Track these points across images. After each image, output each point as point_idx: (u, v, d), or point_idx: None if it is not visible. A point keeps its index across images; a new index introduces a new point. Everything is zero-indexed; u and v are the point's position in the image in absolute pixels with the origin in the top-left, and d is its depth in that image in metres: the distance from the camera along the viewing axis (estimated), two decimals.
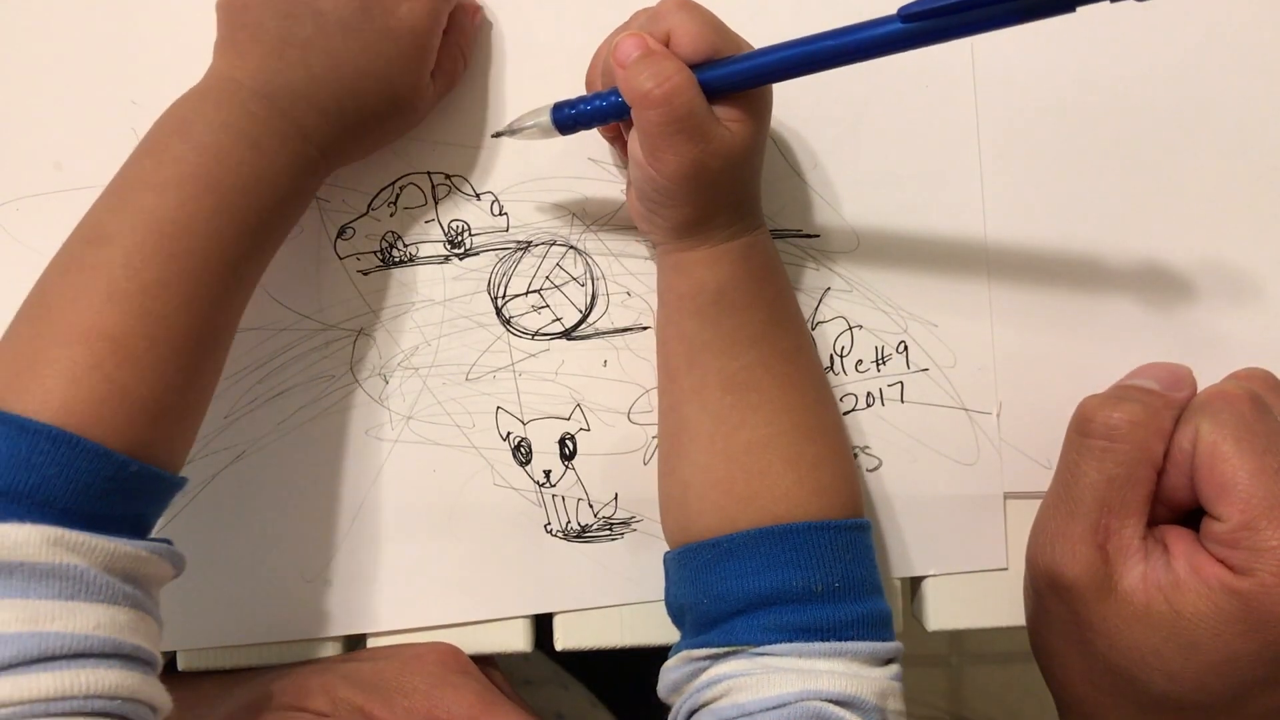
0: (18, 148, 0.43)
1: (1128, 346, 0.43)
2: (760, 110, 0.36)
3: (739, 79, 0.35)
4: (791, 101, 0.42)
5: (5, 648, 0.28)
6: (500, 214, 0.44)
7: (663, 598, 0.41)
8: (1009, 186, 0.44)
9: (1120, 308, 0.44)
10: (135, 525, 0.33)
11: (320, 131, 0.37)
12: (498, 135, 0.40)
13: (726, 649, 0.36)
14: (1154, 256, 0.44)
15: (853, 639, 0.36)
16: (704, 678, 0.36)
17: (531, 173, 0.43)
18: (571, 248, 0.44)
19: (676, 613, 0.40)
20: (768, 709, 0.33)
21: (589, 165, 0.43)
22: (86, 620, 0.30)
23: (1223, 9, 0.44)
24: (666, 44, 0.35)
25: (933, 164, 0.44)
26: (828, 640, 0.35)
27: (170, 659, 0.44)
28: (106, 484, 0.31)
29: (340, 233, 0.43)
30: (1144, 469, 0.36)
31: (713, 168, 0.35)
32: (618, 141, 0.39)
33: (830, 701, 0.34)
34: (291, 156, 0.36)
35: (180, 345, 0.33)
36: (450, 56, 0.41)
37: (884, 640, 0.36)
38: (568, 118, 0.38)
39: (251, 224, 0.35)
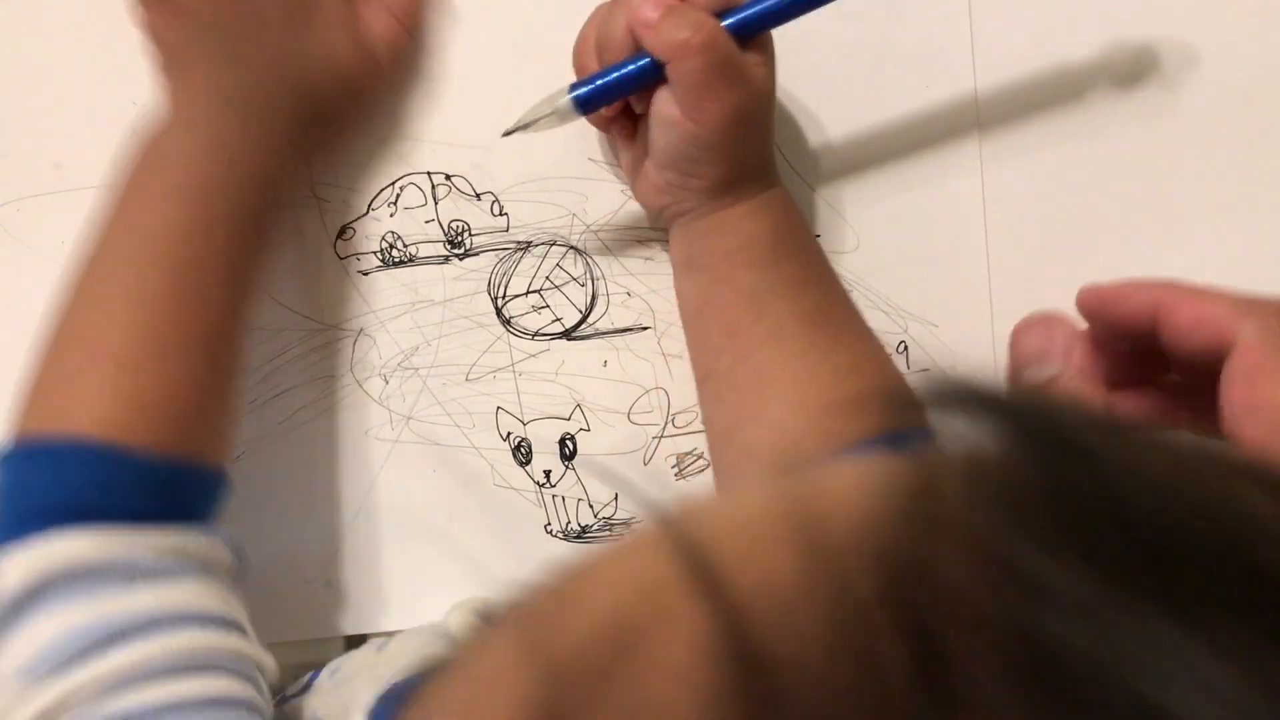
0: (18, 148, 0.43)
1: None
2: (771, 52, 0.37)
3: (767, 17, 0.35)
4: (792, 101, 0.42)
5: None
6: (500, 214, 0.44)
7: None
8: (1010, 186, 0.44)
9: None
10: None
11: (283, 122, 0.38)
12: (508, 133, 0.39)
13: None
14: (1156, 255, 0.44)
15: None
16: None
17: (532, 173, 0.43)
18: (571, 248, 0.44)
19: None
20: None
21: (589, 165, 0.43)
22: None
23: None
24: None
25: (933, 164, 0.44)
26: None
27: None
28: (154, 488, 0.33)
29: (340, 233, 0.43)
30: None
31: (753, 110, 0.35)
32: (615, 124, 0.39)
33: None
34: (264, 157, 0.38)
35: (189, 351, 0.35)
36: (380, 21, 0.41)
37: None
38: (588, 95, 0.37)
39: (240, 230, 0.37)
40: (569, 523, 0.44)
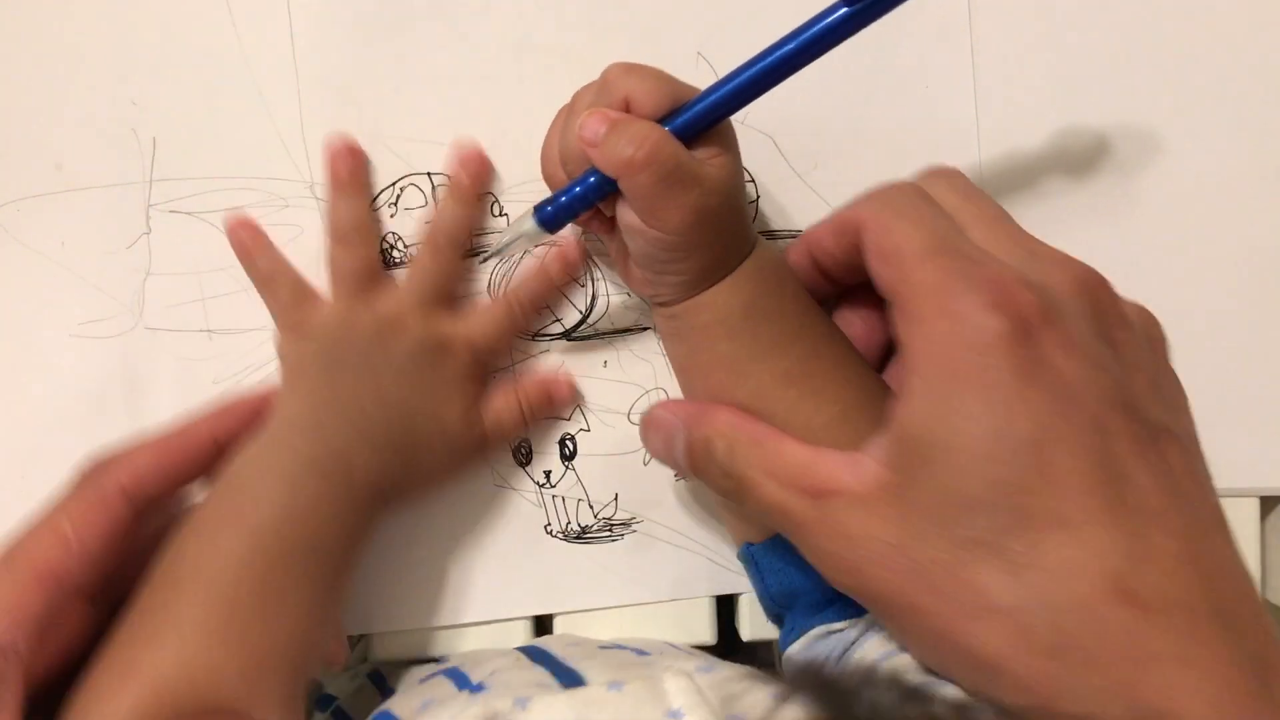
0: (18, 148, 0.43)
1: None
2: (729, 139, 0.37)
3: (711, 114, 0.35)
4: (791, 103, 0.42)
5: None
6: (500, 214, 0.44)
7: (664, 598, 0.41)
8: (1008, 187, 0.44)
9: None
10: None
11: (368, 463, 0.39)
12: (485, 259, 0.40)
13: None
14: (1156, 254, 0.44)
15: None
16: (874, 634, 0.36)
17: (532, 173, 0.43)
18: None
19: (782, 601, 0.39)
20: None
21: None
22: None
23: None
24: (626, 110, 0.35)
25: (932, 164, 0.44)
26: None
27: None
28: None
29: None
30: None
31: (713, 206, 0.35)
32: (592, 225, 0.39)
33: None
34: (332, 490, 0.38)
35: (218, 676, 0.34)
36: (504, 404, 0.43)
37: None
38: (551, 215, 0.37)
39: (288, 560, 0.37)
40: (569, 523, 0.44)
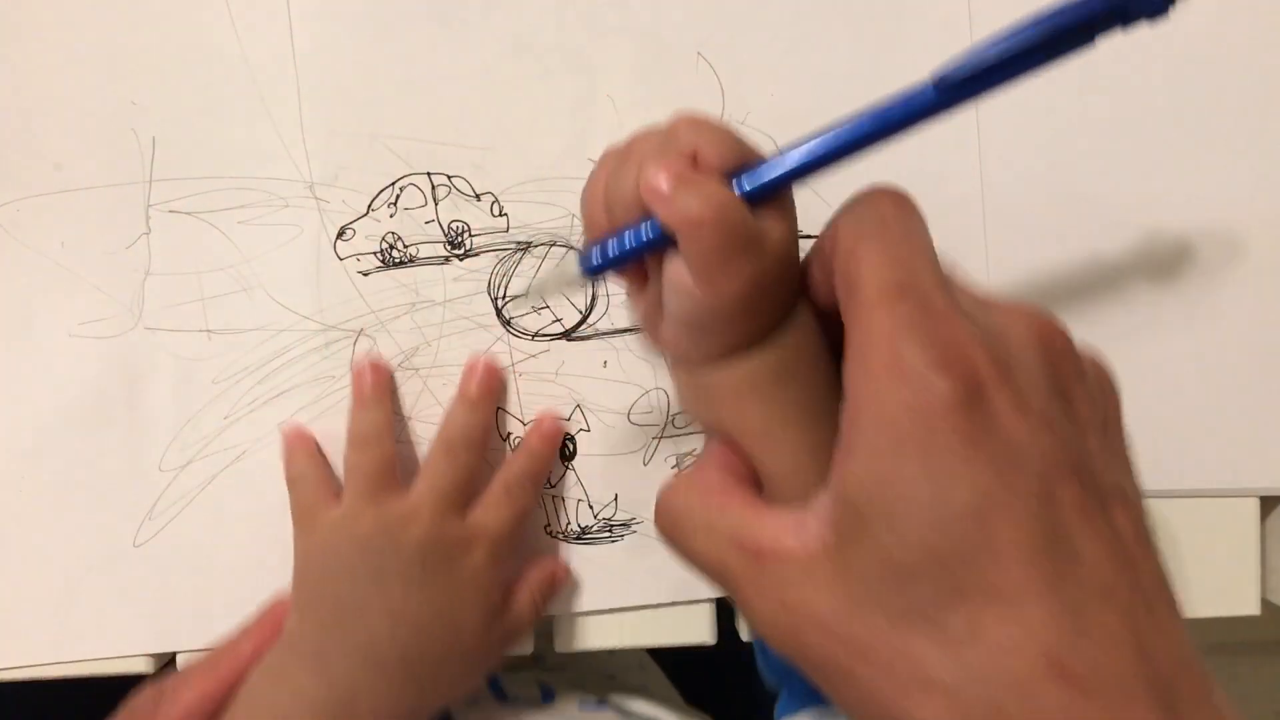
0: (17, 148, 0.43)
1: (1128, 344, 0.43)
2: (789, 205, 0.35)
3: (782, 180, 0.33)
4: (792, 104, 0.42)
5: None
6: (500, 214, 0.44)
7: (664, 600, 0.41)
8: (1009, 186, 0.44)
9: (1120, 311, 0.44)
10: None
11: (375, 694, 0.38)
12: (521, 297, 0.39)
13: None
14: (1157, 259, 0.44)
15: None
16: None
17: (531, 173, 0.43)
18: (571, 248, 0.44)
19: (781, 675, 0.39)
20: None
21: (589, 165, 0.43)
22: None
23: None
24: (693, 164, 0.33)
25: (932, 164, 0.44)
26: None
27: (170, 660, 0.44)
28: None
29: (340, 234, 0.43)
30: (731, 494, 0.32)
31: (772, 274, 0.33)
32: (625, 274, 0.36)
33: None
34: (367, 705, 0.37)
35: None
36: (523, 600, 0.42)
37: None
38: (599, 268, 0.35)
39: None
40: (569, 523, 0.44)
